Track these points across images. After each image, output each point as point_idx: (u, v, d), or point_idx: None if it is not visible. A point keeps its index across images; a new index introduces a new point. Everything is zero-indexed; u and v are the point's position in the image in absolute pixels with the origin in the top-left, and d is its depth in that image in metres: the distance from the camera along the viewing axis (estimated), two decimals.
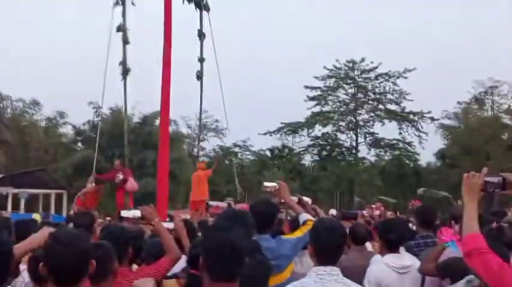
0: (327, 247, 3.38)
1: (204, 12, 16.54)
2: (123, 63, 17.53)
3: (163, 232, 4.05)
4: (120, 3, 17.12)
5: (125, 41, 16.81)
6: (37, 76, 56.78)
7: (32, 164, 38.07)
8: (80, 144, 43.38)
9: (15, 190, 29.53)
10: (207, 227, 4.00)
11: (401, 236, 4.72)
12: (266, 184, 4.81)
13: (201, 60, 16.84)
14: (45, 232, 3.19)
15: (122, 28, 17.18)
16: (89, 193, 12.58)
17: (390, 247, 4.64)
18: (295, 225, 4.96)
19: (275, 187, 4.69)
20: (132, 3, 16.76)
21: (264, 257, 3.53)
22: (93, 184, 13.19)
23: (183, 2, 15.93)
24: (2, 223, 5.16)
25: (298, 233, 4.36)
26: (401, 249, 4.77)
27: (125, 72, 16.79)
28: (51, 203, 32.32)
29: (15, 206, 29.70)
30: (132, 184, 13.82)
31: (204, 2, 15.88)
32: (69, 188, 34.13)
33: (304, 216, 4.56)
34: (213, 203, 5.16)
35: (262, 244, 3.89)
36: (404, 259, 4.60)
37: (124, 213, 4.27)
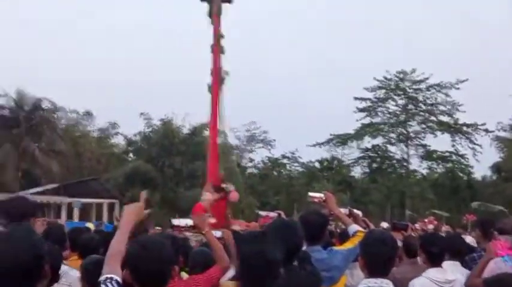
0: (377, 258, 3.31)
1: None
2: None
3: (214, 241, 4.03)
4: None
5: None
6: (91, 88, 58.42)
7: (85, 174, 39.01)
8: (131, 154, 44.21)
9: (69, 199, 30.29)
10: (240, 238, 3.98)
11: (444, 250, 4.64)
12: (311, 194, 4.74)
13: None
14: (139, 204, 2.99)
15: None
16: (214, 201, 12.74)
17: (433, 260, 4.55)
18: (344, 237, 4.87)
19: (321, 197, 4.62)
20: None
21: (314, 268, 3.46)
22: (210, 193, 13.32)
23: None
24: (56, 229, 5.29)
25: (349, 245, 4.27)
26: (446, 263, 4.67)
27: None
28: (104, 212, 32.99)
29: (70, 215, 30.48)
30: (234, 194, 14.03)
31: None
32: (121, 197, 34.79)
33: (354, 227, 4.46)
34: (262, 212, 5.12)
35: (314, 255, 3.81)
36: (448, 273, 4.50)
37: (175, 221, 4.29)
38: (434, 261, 4.54)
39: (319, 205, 4.69)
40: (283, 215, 5.15)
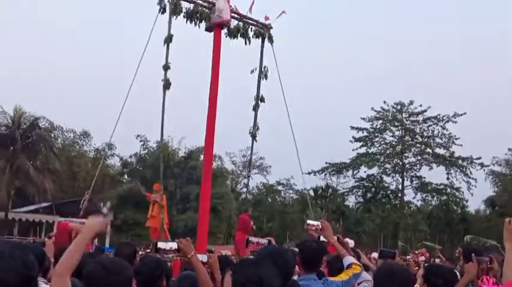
0: None
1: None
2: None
3: (198, 266, 4.01)
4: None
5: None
6: (88, 108, 58.52)
7: (79, 194, 38.79)
8: (126, 176, 44.07)
9: (61, 219, 30.04)
10: (239, 260, 3.99)
11: (450, 282, 4.54)
12: (309, 221, 4.74)
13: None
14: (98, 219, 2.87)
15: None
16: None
17: None
18: (333, 266, 4.84)
19: (318, 225, 4.62)
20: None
21: None
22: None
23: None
24: (35, 247, 5.23)
25: (344, 276, 4.23)
26: None
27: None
28: None
29: None
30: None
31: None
32: (114, 219, 34.59)
33: (349, 259, 4.43)
34: (253, 239, 5.00)
35: (310, 284, 3.80)
36: None
37: (161, 244, 4.27)
38: None
39: (315, 232, 4.68)
40: (273, 242, 5.13)
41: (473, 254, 4.54)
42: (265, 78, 15.61)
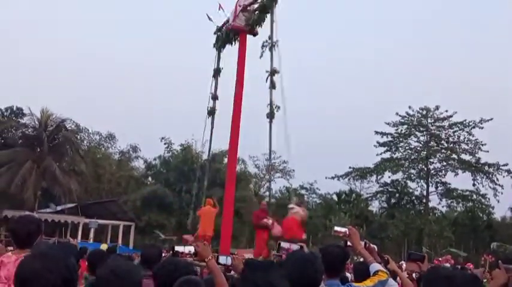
0: None
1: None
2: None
3: (216, 271, 3.98)
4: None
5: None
6: (114, 111, 59.09)
7: (103, 195, 39.20)
8: (150, 178, 44.36)
9: (86, 220, 30.42)
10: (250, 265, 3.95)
11: None
12: (337, 228, 4.71)
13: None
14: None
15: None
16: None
17: None
18: (359, 271, 4.80)
19: (346, 232, 4.59)
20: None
21: None
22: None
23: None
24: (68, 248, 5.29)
25: (369, 283, 4.15)
26: None
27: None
28: (119, 234, 33.03)
29: (85, 235, 30.58)
30: (277, 228, 14.08)
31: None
32: (138, 220, 34.86)
33: (376, 266, 4.36)
34: (285, 244, 4.95)
35: None
36: None
37: (178, 248, 4.27)
38: None
39: (341, 238, 4.65)
40: (305, 248, 5.06)
41: (500, 261, 4.46)
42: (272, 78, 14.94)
